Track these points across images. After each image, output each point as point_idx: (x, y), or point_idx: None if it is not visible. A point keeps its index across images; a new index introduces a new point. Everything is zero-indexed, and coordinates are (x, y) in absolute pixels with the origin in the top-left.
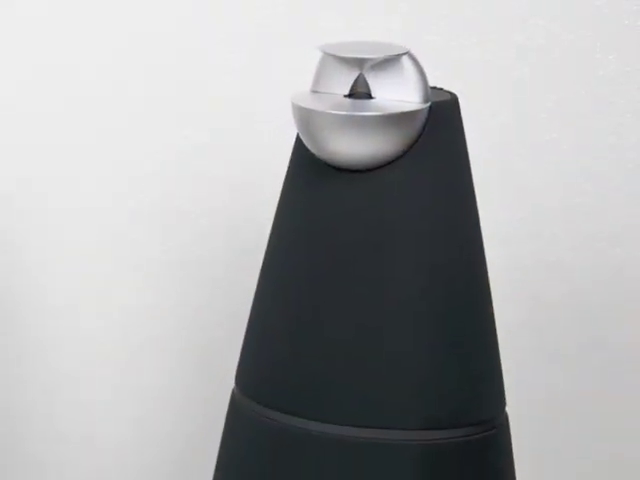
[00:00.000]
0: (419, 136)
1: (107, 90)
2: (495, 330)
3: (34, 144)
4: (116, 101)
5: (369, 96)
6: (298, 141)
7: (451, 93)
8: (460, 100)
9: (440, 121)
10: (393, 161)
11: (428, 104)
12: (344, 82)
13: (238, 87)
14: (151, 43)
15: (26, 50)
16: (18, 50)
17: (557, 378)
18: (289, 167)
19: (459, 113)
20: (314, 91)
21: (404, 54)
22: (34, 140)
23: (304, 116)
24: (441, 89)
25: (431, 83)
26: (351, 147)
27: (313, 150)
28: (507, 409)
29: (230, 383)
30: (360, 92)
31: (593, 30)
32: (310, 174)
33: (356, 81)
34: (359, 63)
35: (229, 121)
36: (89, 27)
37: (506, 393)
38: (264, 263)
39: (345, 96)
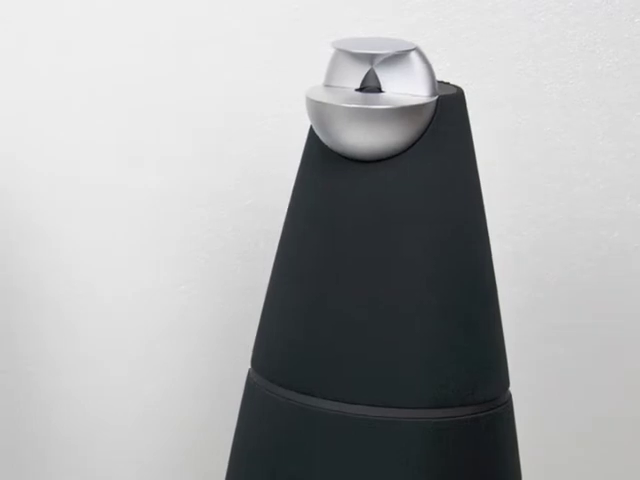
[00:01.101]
0: (427, 128)
1: (122, 78)
2: (499, 314)
3: (54, 138)
4: (129, 89)
5: (379, 90)
6: (311, 133)
7: (457, 87)
8: (466, 93)
9: (447, 113)
10: (402, 152)
11: (435, 97)
12: (355, 76)
13: (242, 86)
14: (163, 37)
15: (43, 41)
16: (32, 44)
17: (558, 356)
18: (302, 158)
19: (465, 106)
20: (327, 85)
21: (413, 50)
22: (54, 134)
23: (317, 109)
24: (448, 83)
25: (438, 77)
26: (362, 138)
27: (326, 141)
28: (510, 388)
29: (246, 364)
30: (371, 86)
31: (593, 26)
32: (322, 164)
33: (367, 75)
34: (370, 58)
35: (235, 118)
36: (104, 17)
37: (509, 372)
38: (279, 248)
39: (356, 90)
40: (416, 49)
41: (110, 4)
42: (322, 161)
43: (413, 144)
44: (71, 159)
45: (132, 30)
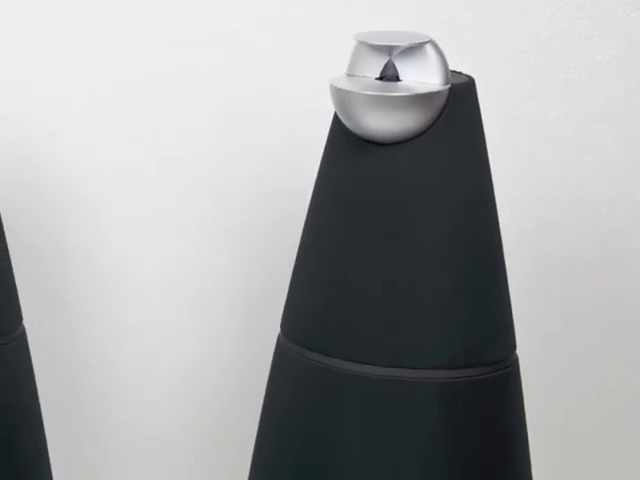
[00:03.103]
0: (441, 114)
1: (122, 78)
2: (507, 282)
3: (54, 138)
4: (129, 89)
5: (397, 79)
6: (335, 118)
7: (469, 76)
8: (477, 82)
9: (459, 100)
10: (418, 135)
11: (448, 86)
12: (375, 66)
13: (242, 85)
14: (163, 37)
15: (43, 41)
16: (32, 44)
17: (559, 324)
18: (327, 142)
19: (476, 93)
20: (349, 74)
21: (428, 42)
22: (54, 134)
23: (341, 96)
24: (460, 73)
25: (451, 67)
26: (381, 123)
27: (348, 126)
28: (517, 351)
29: (276, 329)
30: (389, 75)
31: (593, 20)
32: (345, 147)
33: (386, 65)
34: (389, 50)
35: (235, 117)
36: (104, 17)
37: (516, 337)
38: (306, 223)
39: (376, 79)
40: (431, 41)
41: (110, 4)
42: (345, 144)
43: (428, 128)
44: (71, 159)
45: (132, 30)
